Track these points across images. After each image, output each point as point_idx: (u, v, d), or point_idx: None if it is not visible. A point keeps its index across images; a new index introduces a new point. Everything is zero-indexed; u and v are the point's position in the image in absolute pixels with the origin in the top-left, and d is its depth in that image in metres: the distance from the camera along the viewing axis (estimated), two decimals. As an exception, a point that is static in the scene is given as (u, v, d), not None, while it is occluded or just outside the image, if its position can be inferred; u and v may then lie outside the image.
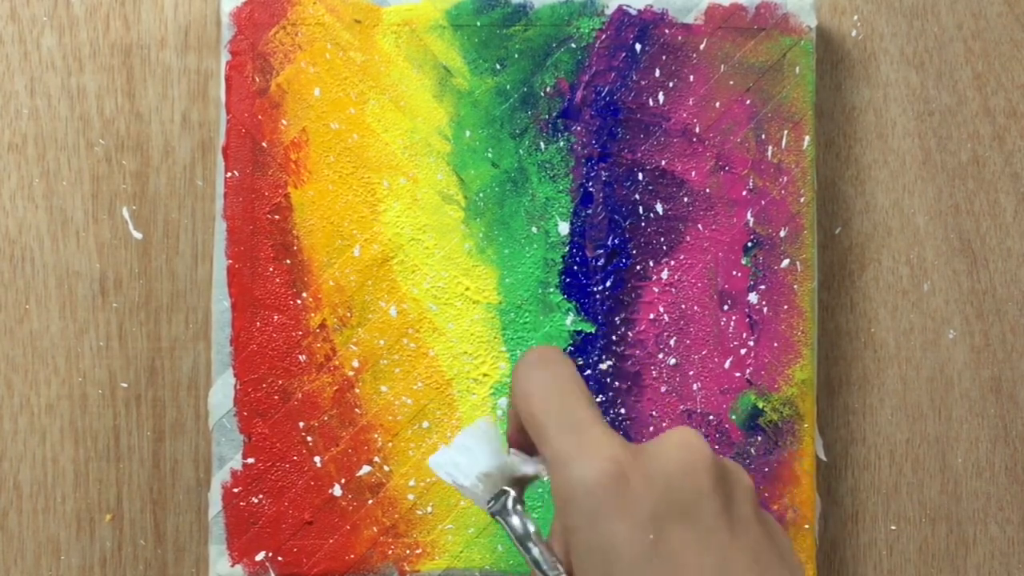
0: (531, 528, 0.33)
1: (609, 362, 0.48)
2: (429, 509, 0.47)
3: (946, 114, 0.51)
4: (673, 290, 0.48)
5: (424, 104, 0.48)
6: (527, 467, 0.35)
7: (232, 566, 0.46)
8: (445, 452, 0.37)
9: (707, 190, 0.48)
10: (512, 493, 0.35)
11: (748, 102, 0.48)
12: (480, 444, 0.36)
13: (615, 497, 0.29)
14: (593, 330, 0.48)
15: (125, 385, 0.49)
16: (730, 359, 0.48)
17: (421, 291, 0.47)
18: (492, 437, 0.36)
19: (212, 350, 0.47)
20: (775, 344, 0.48)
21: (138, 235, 0.49)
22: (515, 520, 0.34)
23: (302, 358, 0.47)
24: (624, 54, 0.48)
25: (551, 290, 0.48)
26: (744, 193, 0.48)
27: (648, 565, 0.29)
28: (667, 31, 0.48)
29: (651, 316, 0.48)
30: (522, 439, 0.35)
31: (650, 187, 0.48)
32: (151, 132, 0.49)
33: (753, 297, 0.48)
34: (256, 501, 0.46)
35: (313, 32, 0.47)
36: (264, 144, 0.47)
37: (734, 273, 0.48)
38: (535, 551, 0.33)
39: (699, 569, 0.29)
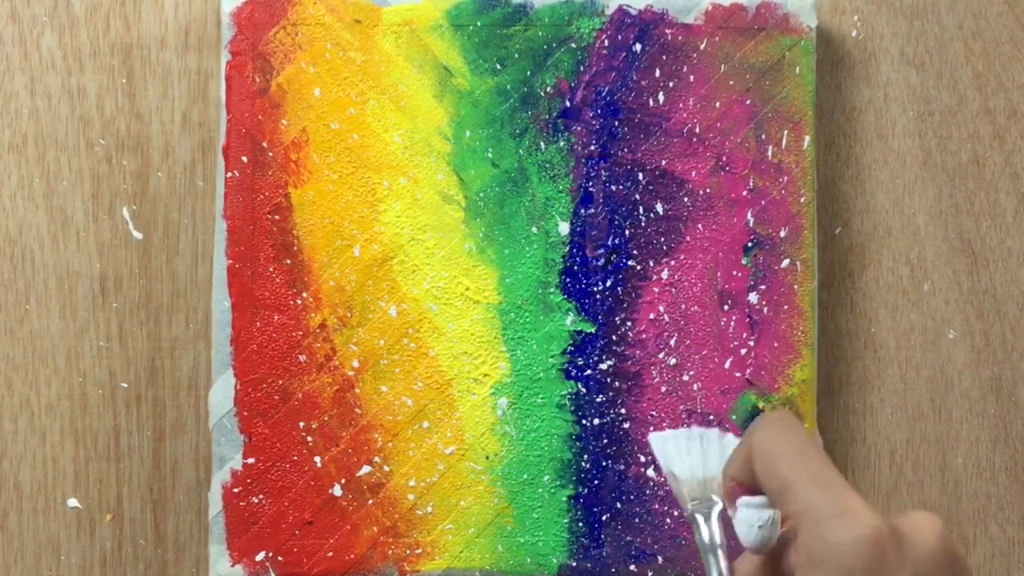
0: (720, 543, 0.34)
1: (609, 362, 0.48)
2: (429, 509, 0.47)
3: (946, 114, 0.51)
4: (673, 290, 0.48)
5: (424, 104, 0.48)
6: (759, 511, 0.35)
7: (232, 566, 0.46)
8: (674, 435, 0.38)
9: (707, 190, 0.48)
10: (720, 505, 0.35)
11: (748, 102, 0.48)
12: (713, 448, 0.37)
13: (873, 572, 0.30)
14: (593, 330, 0.48)
15: (125, 385, 0.49)
16: (730, 359, 0.48)
17: (421, 291, 0.47)
18: (727, 449, 0.37)
19: (212, 350, 0.47)
20: (775, 344, 0.48)
21: (138, 235, 0.49)
22: (714, 528, 0.35)
23: (302, 358, 0.47)
24: (624, 54, 0.48)
25: (551, 290, 0.48)
26: (744, 193, 0.48)
27: None
28: (667, 31, 0.48)
29: (651, 316, 0.48)
30: (744, 483, 0.35)
31: (650, 187, 0.48)
32: (151, 132, 0.49)
33: (753, 297, 0.48)
34: (256, 501, 0.46)
35: (313, 32, 0.47)
36: (264, 144, 0.47)
37: (734, 273, 0.48)
38: (720, 565, 0.34)
39: None
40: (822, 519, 0.30)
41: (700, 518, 0.35)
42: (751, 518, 0.34)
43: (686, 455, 0.37)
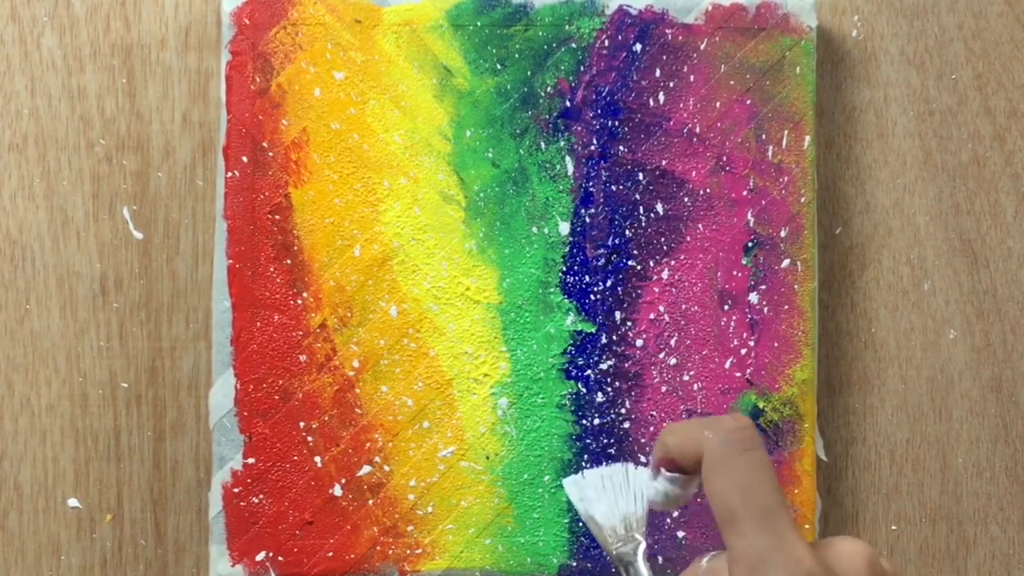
0: None
1: (609, 362, 0.48)
2: (429, 509, 0.47)
3: (946, 114, 0.51)
4: (673, 290, 0.48)
5: (424, 104, 0.48)
6: (674, 487, 0.35)
7: (232, 566, 0.46)
8: (587, 477, 0.38)
9: (707, 190, 0.48)
10: (644, 543, 0.36)
11: (748, 102, 0.48)
12: (627, 485, 0.37)
13: None
14: (593, 330, 0.48)
15: (125, 385, 0.49)
16: (730, 359, 0.48)
17: (421, 291, 0.47)
18: (640, 483, 0.37)
19: (212, 350, 0.47)
20: (775, 344, 0.48)
21: (138, 235, 0.49)
22: (641, 568, 0.35)
23: (302, 358, 0.47)
24: (624, 54, 0.48)
25: (551, 290, 0.48)
26: (744, 193, 0.48)
27: None
28: (667, 31, 0.48)
29: (651, 316, 0.48)
30: (671, 466, 0.36)
31: (650, 187, 0.48)
32: (151, 132, 0.49)
33: (753, 297, 0.48)
34: (256, 501, 0.46)
35: (313, 32, 0.47)
36: (264, 144, 0.47)
37: (734, 273, 0.48)
38: None
39: None
40: (761, 561, 0.31)
41: (628, 560, 0.35)
42: (667, 489, 0.35)
43: (603, 496, 0.37)
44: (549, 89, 0.48)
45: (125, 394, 0.49)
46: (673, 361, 0.48)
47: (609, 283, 0.48)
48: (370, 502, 0.47)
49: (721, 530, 0.32)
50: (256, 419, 0.47)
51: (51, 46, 0.49)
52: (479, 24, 0.48)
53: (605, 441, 0.47)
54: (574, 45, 0.48)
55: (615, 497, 0.37)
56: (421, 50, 0.48)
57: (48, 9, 0.49)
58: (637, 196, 0.48)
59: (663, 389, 0.48)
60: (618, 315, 0.48)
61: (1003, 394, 0.51)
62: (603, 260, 0.48)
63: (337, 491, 0.47)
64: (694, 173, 0.48)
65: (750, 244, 0.48)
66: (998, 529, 0.51)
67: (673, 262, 0.48)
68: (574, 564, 0.47)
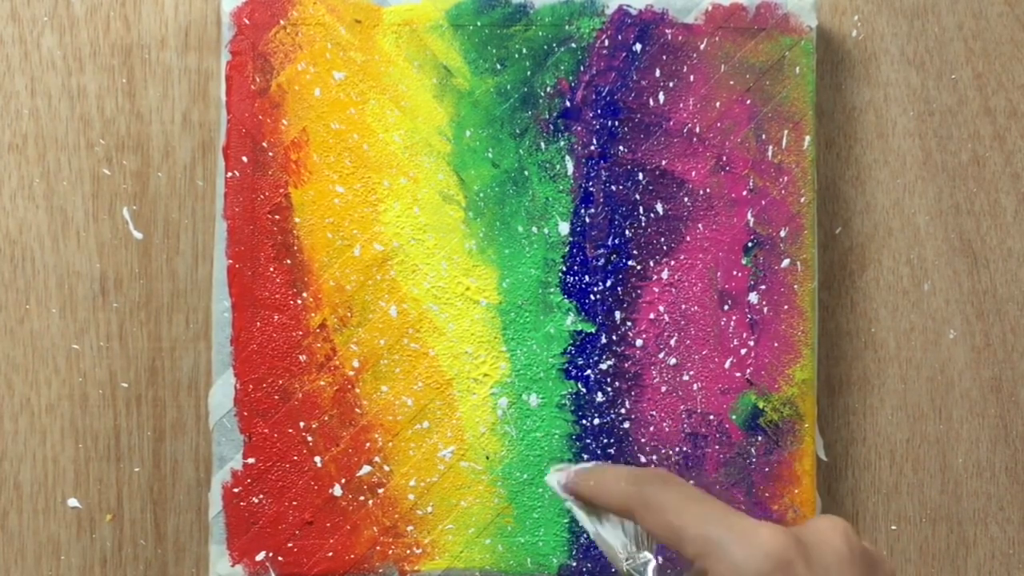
0: None
1: (609, 362, 0.48)
2: (429, 509, 0.47)
3: (946, 114, 0.51)
4: (673, 290, 0.48)
5: (424, 104, 0.48)
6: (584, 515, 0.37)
7: (232, 566, 0.46)
8: None
9: (707, 190, 0.48)
10: (654, 561, 0.36)
11: (748, 102, 0.48)
12: None
13: None
14: (593, 330, 0.48)
15: (125, 385, 0.49)
16: (730, 359, 0.48)
17: (421, 291, 0.47)
18: None
19: (212, 350, 0.47)
20: (775, 344, 0.48)
21: (138, 235, 0.49)
22: None
23: (302, 358, 0.47)
24: (624, 54, 0.48)
25: (551, 290, 0.48)
26: (744, 193, 0.48)
27: None
28: (667, 31, 0.48)
29: (651, 316, 0.48)
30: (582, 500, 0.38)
31: (650, 187, 0.48)
32: (151, 132, 0.49)
33: (753, 297, 0.48)
34: (256, 501, 0.46)
35: (313, 32, 0.47)
36: (264, 144, 0.47)
37: (734, 273, 0.48)
38: None
39: None
40: (724, 548, 0.31)
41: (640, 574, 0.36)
42: (581, 514, 0.39)
43: (613, 514, 0.38)
44: (549, 89, 0.48)
45: (125, 394, 0.49)
46: (673, 361, 0.48)
47: (609, 283, 0.48)
48: (370, 502, 0.47)
49: (676, 551, 0.33)
50: (256, 419, 0.47)
51: (51, 46, 0.49)
52: (479, 24, 0.48)
53: (605, 441, 0.47)
54: (574, 45, 0.48)
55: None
56: (421, 50, 0.48)
57: (48, 9, 0.49)
58: (637, 196, 0.48)
59: (663, 389, 0.48)
60: (618, 315, 0.48)
61: (1003, 394, 0.51)
62: (603, 260, 0.48)
63: (337, 491, 0.47)
64: (694, 173, 0.48)
65: (750, 244, 0.48)
66: (998, 529, 0.51)
67: (673, 262, 0.48)
68: (574, 564, 0.47)
